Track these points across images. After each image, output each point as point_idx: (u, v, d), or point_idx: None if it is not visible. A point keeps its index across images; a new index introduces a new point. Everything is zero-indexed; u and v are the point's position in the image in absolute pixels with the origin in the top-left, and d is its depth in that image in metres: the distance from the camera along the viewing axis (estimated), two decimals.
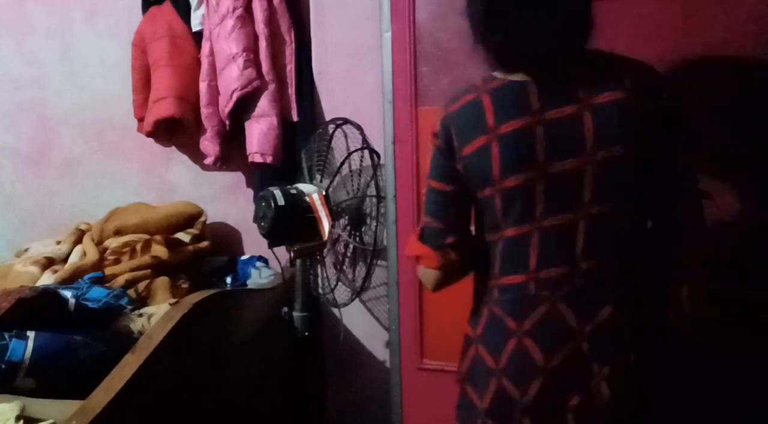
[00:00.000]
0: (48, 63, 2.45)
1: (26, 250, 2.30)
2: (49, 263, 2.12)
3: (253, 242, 2.30)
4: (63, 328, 1.45)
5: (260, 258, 2.28)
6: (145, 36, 2.25)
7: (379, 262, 1.81)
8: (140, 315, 1.61)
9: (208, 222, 2.29)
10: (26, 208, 2.54)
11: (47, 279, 1.97)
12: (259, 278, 2.20)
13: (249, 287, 2.15)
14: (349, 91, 2.03)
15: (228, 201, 2.35)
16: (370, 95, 1.91)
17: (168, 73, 2.18)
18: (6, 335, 1.34)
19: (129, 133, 2.35)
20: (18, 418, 1.14)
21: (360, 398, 2.15)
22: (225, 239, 2.37)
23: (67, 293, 1.54)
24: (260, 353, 1.90)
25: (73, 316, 1.51)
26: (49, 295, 1.50)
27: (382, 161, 1.70)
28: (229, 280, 2.23)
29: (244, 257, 2.32)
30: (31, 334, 1.36)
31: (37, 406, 1.25)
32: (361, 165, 1.83)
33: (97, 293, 1.66)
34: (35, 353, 1.33)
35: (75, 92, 2.44)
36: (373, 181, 1.75)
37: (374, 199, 1.75)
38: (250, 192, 2.30)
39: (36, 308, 1.44)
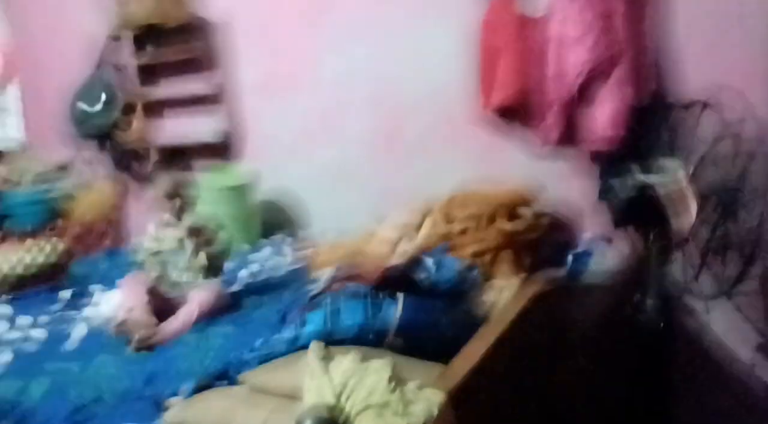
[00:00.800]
0: (395, 56, 2.67)
1: (386, 219, 2.54)
2: (405, 231, 2.31)
3: (594, 223, 2.20)
4: (424, 293, 1.55)
5: (604, 238, 2.17)
6: (489, 22, 2.31)
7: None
8: (490, 288, 1.65)
9: (545, 204, 2.26)
10: (383, 184, 2.82)
11: (404, 245, 2.15)
12: (602, 258, 2.09)
13: (591, 268, 2.05)
14: (714, 62, 1.76)
15: (566, 183, 2.28)
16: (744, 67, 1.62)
17: (511, 59, 2.21)
18: (380, 294, 1.48)
19: (466, 119, 2.44)
20: (390, 379, 1.24)
21: (717, 411, 1.88)
22: (563, 220, 2.31)
23: (428, 261, 1.64)
24: (605, 344, 1.79)
25: (432, 283, 1.61)
26: (413, 262, 1.61)
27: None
28: (570, 258, 2.16)
29: (585, 237, 2.23)
30: (400, 296, 1.48)
31: (404, 364, 1.35)
32: (736, 148, 1.58)
33: (451, 262, 1.74)
34: (404, 314, 1.44)
35: (420, 83, 2.62)
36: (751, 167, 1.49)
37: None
38: (589, 173, 2.20)
39: (402, 273, 1.57)
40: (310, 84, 2.93)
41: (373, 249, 2.23)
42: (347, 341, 1.44)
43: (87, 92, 3.45)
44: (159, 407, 1.47)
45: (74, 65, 3.69)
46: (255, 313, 2.08)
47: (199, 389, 1.47)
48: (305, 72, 2.93)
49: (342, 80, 2.83)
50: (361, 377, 1.24)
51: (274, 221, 3.15)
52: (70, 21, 3.78)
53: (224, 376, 1.48)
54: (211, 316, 1.99)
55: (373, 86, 2.76)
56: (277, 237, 2.95)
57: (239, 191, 2.84)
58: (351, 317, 1.46)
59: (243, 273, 2.48)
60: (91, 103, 3.41)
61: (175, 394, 1.48)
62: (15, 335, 1.92)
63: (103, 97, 3.37)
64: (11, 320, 2.04)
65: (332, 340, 1.42)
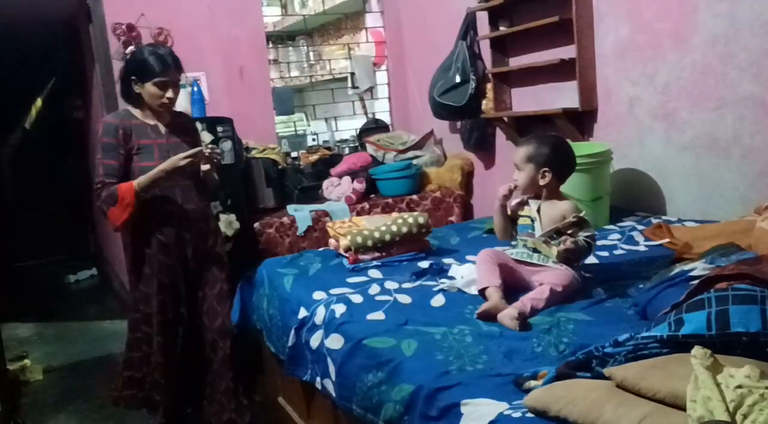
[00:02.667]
0: None
1: (766, 207, 2.16)
2: None
3: None
4: None
5: None
6: None
7: None
8: None
9: None
10: (764, 163, 2.39)
11: None
12: None
13: None
14: None
15: None
16: None
17: None
18: None
19: None
20: None
21: None
22: None
23: None
24: None
25: None
26: None
27: None
28: None
29: None
30: None
31: None
32: None
33: None
34: None
35: None
36: None
37: None
38: None
39: None
40: (679, 43, 2.62)
41: (756, 240, 1.91)
42: (736, 352, 1.24)
43: (445, 70, 3.66)
44: (517, 387, 1.47)
45: (435, 46, 3.96)
46: (607, 302, 1.96)
47: (557, 376, 1.43)
48: (674, 29, 2.63)
49: (721, 33, 2.46)
50: (763, 397, 1.05)
51: (624, 204, 2.94)
52: (437, 5, 4.05)
53: (585, 367, 1.40)
54: (562, 301, 1.95)
55: (762, 39, 2.33)
56: (628, 222, 2.74)
57: (590, 170, 2.70)
58: (743, 323, 1.25)
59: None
60: (449, 81, 3.61)
61: (533, 377, 1.47)
62: (385, 297, 2.13)
63: (461, 72, 3.53)
64: (381, 284, 2.27)
65: (716, 347, 1.23)
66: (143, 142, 2.45)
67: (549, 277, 1.98)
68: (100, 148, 2.40)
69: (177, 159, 2.38)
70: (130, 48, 2.48)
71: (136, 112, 2.49)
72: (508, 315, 1.81)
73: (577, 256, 2.03)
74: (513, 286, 2.01)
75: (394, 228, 2.58)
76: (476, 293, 2.08)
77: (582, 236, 2.01)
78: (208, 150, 2.47)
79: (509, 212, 2.18)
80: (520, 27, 3.26)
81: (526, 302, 1.89)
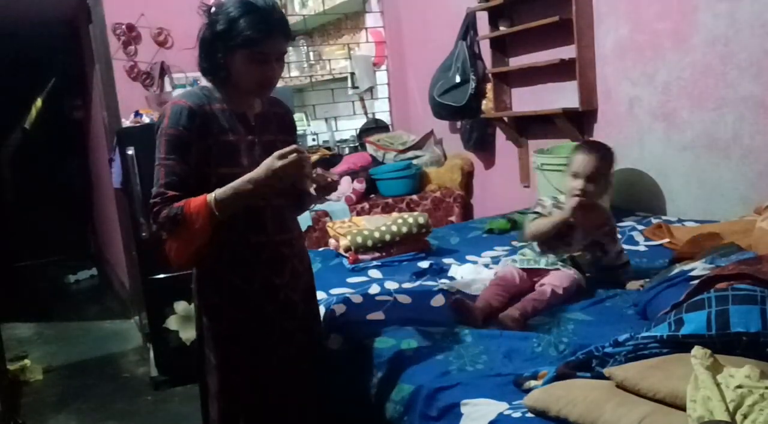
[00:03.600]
0: None
1: (766, 207, 2.16)
2: None
3: None
4: None
5: None
6: None
7: None
8: None
9: None
10: (764, 163, 2.39)
11: None
12: None
13: None
14: None
15: None
16: None
17: None
18: None
19: None
20: None
21: None
22: None
23: None
24: None
25: None
26: None
27: None
28: None
29: None
30: None
31: None
32: None
33: None
34: None
35: None
36: None
37: None
38: None
39: None
40: (679, 43, 2.61)
41: (756, 240, 1.91)
42: (735, 352, 1.24)
43: (445, 70, 3.66)
44: (517, 387, 1.47)
45: (435, 46, 3.96)
46: (607, 302, 1.97)
47: (557, 376, 1.43)
48: (674, 29, 2.62)
49: (721, 33, 2.45)
50: (763, 397, 1.05)
51: (624, 204, 2.94)
52: (437, 5, 4.05)
53: (585, 367, 1.40)
54: (563, 302, 1.95)
55: (762, 39, 2.33)
56: (628, 222, 2.74)
57: None
58: (743, 323, 1.25)
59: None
60: (449, 81, 3.61)
61: (533, 377, 1.47)
62: (385, 297, 2.13)
63: (461, 72, 3.53)
64: (381, 284, 2.27)
65: (716, 347, 1.23)
66: (227, 138, 1.65)
67: (551, 278, 1.98)
68: (163, 143, 1.59)
69: (274, 164, 1.55)
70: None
71: (219, 94, 1.69)
72: (509, 316, 1.81)
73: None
74: (521, 296, 2.01)
75: (394, 228, 2.58)
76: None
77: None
78: (321, 173, 1.75)
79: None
80: (520, 27, 3.26)
81: (526, 303, 1.89)
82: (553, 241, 2.09)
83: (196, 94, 1.67)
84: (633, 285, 2.05)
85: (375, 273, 2.43)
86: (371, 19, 4.61)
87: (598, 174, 2.02)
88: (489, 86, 3.54)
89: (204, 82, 1.75)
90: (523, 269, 2.07)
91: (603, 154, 2.06)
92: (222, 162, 1.63)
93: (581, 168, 2.03)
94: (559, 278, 1.98)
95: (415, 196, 3.76)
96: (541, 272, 2.05)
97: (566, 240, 2.08)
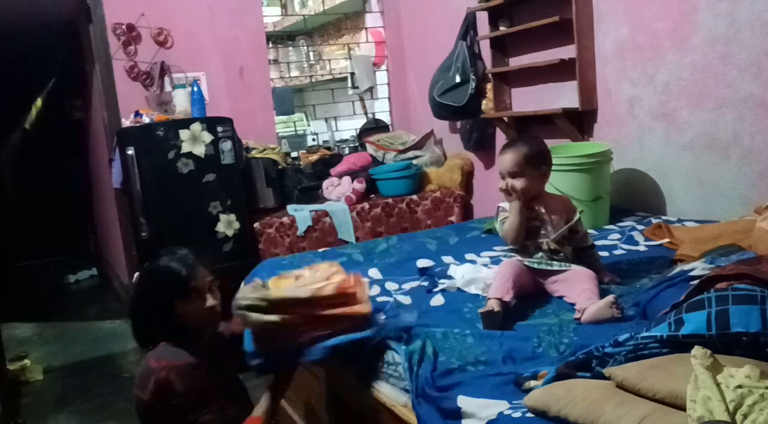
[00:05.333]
0: None
1: (766, 206, 2.16)
2: None
3: None
4: None
5: None
6: None
7: None
8: None
9: None
10: (764, 163, 2.39)
11: None
12: None
13: None
14: None
15: None
16: None
17: None
18: None
19: None
20: None
21: None
22: None
23: None
24: None
25: None
26: None
27: None
28: None
29: None
30: None
31: None
32: None
33: None
34: None
35: None
36: None
37: None
38: None
39: None
40: (679, 43, 2.61)
41: (755, 240, 1.91)
42: (735, 352, 1.24)
43: (445, 70, 3.66)
44: (517, 387, 1.47)
45: (435, 46, 3.97)
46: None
47: (558, 376, 1.43)
48: (674, 29, 2.62)
49: (721, 33, 2.45)
50: (763, 397, 1.05)
51: (624, 204, 2.94)
52: (437, 5, 4.05)
53: (585, 367, 1.40)
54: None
55: (762, 39, 2.33)
56: (628, 222, 2.74)
57: (590, 170, 2.70)
58: (743, 323, 1.25)
59: None
60: (449, 81, 3.61)
61: (533, 377, 1.47)
62: (385, 298, 2.13)
63: (461, 72, 3.53)
64: (381, 285, 2.27)
65: (716, 347, 1.23)
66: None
67: (579, 280, 1.97)
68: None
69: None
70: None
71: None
72: (604, 306, 1.78)
73: None
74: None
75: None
76: (476, 292, 2.09)
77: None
78: None
79: None
80: (520, 27, 3.26)
81: (592, 296, 1.87)
82: (530, 239, 2.09)
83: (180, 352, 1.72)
84: (609, 279, 2.07)
85: (375, 273, 2.43)
86: (371, 19, 4.61)
87: (520, 168, 2.03)
88: (489, 86, 3.54)
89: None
90: (533, 270, 2.05)
91: (518, 147, 2.06)
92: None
93: (502, 167, 2.07)
94: (584, 278, 1.97)
95: (415, 197, 3.76)
96: (553, 273, 2.03)
97: (542, 235, 2.08)
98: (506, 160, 2.06)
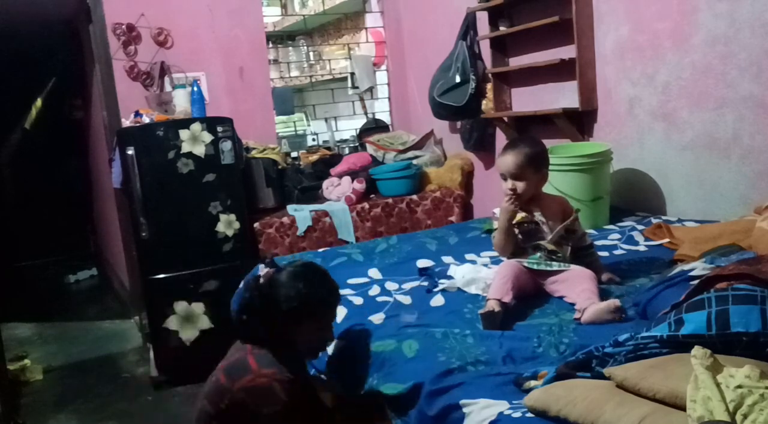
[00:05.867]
0: None
1: (766, 207, 2.16)
2: None
3: None
4: None
5: None
6: None
7: None
8: None
9: None
10: (764, 163, 2.39)
11: None
12: None
13: None
14: None
15: None
16: None
17: None
18: None
19: None
20: None
21: None
22: None
23: None
24: None
25: None
26: None
27: None
28: None
29: None
30: None
31: None
32: None
33: None
34: None
35: None
36: None
37: None
38: None
39: None
40: (679, 43, 2.61)
41: (755, 240, 1.91)
42: (735, 352, 1.24)
43: (445, 70, 3.66)
44: (517, 387, 1.47)
45: (435, 46, 3.97)
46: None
47: (558, 376, 1.43)
48: (674, 29, 2.62)
49: (721, 33, 2.45)
50: (763, 397, 1.05)
51: (624, 204, 2.94)
52: (437, 5, 4.05)
53: (585, 367, 1.41)
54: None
55: (762, 39, 2.33)
56: (628, 222, 2.74)
57: (590, 170, 2.70)
58: (743, 323, 1.25)
59: None
60: (449, 81, 3.61)
61: (533, 377, 1.47)
62: (385, 298, 2.14)
63: (461, 72, 3.53)
64: (381, 285, 2.27)
65: (716, 347, 1.23)
66: None
67: (578, 280, 1.97)
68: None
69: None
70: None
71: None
72: (606, 309, 1.78)
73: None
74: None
75: None
76: (476, 292, 2.09)
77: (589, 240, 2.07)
78: None
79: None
80: (520, 27, 3.26)
81: (592, 296, 1.87)
82: (527, 241, 2.08)
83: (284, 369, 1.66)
84: (608, 278, 2.07)
85: (375, 273, 2.43)
86: (371, 19, 4.61)
87: (522, 170, 2.03)
88: (489, 86, 3.54)
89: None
90: (532, 270, 2.04)
91: (521, 149, 2.06)
92: None
93: (504, 169, 2.06)
94: (578, 272, 1.98)
95: (415, 197, 3.76)
96: (553, 273, 2.03)
97: (539, 236, 2.08)
98: (508, 161, 2.05)
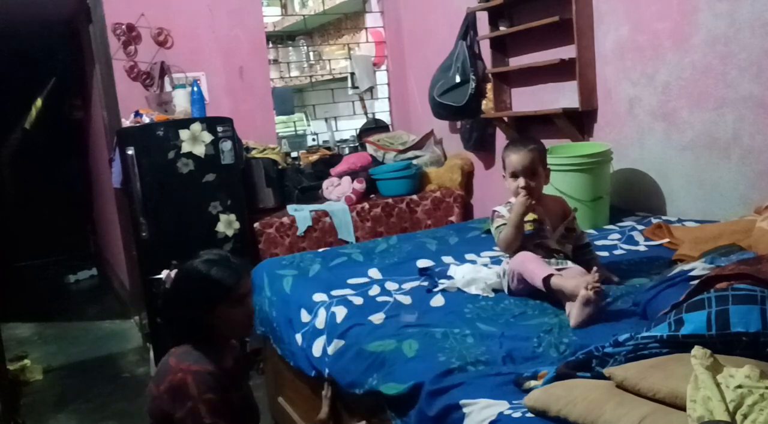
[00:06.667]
0: None
1: (766, 207, 2.16)
2: None
3: None
4: None
5: None
6: None
7: None
8: None
9: None
10: (764, 163, 2.39)
11: None
12: None
13: None
14: None
15: None
16: None
17: None
18: None
19: None
20: None
21: None
22: None
23: None
24: None
25: None
26: None
27: None
28: None
29: None
30: None
31: None
32: None
33: None
34: None
35: None
36: None
37: None
38: None
39: None
40: (679, 43, 2.61)
41: (755, 241, 1.91)
42: (735, 352, 1.24)
43: (445, 70, 3.66)
44: (517, 387, 1.47)
45: (435, 46, 3.97)
46: (607, 302, 1.96)
47: (558, 376, 1.43)
48: (674, 29, 2.62)
49: (721, 33, 2.45)
50: (763, 397, 1.05)
51: (624, 204, 2.94)
52: (437, 5, 4.05)
53: (585, 367, 1.40)
54: None
55: (762, 39, 2.33)
56: (628, 222, 2.74)
57: (590, 170, 2.70)
58: (743, 323, 1.25)
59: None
60: (449, 81, 3.61)
61: (533, 377, 1.47)
62: (385, 298, 2.13)
63: (461, 72, 3.53)
64: (381, 285, 2.27)
65: (716, 347, 1.23)
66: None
67: (572, 271, 1.99)
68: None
69: None
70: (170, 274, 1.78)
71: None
72: (580, 303, 1.76)
73: None
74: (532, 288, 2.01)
75: None
76: (476, 292, 2.08)
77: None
78: None
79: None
80: (520, 27, 3.26)
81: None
82: (529, 240, 2.08)
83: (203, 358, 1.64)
84: (607, 277, 2.07)
85: (375, 273, 2.43)
86: (371, 19, 4.61)
87: (536, 165, 2.05)
88: (489, 86, 3.54)
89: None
90: None
91: (533, 146, 2.08)
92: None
93: (519, 166, 2.05)
94: (576, 270, 1.98)
95: (415, 197, 3.76)
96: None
97: (541, 235, 2.08)
98: (523, 157, 2.05)
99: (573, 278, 1.84)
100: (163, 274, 1.79)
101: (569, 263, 2.03)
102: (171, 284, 1.73)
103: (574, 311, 1.76)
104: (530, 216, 2.06)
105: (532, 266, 1.95)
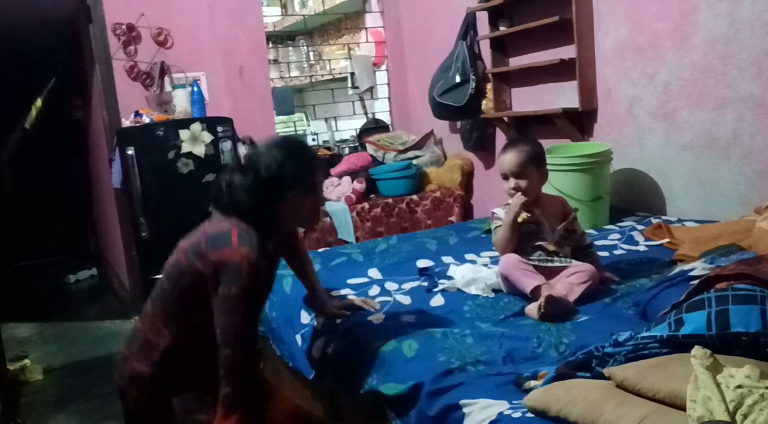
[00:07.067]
0: None
1: (766, 207, 2.16)
2: None
3: None
4: None
5: None
6: None
7: None
8: None
9: None
10: (764, 163, 2.39)
11: None
12: None
13: None
14: None
15: None
16: None
17: None
18: None
19: None
20: None
21: None
22: None
23: None
24: None
25: None
26: None
27: None
28: None
29: None
30: None
31: None
32: None
33: None
34: None
35: None
36: None
37: None
38: None
39: None
40: (679, 43, 2.61)
41: (755, 240, 1.91)
42: (735, 352, 1.24)
43: (445, 70, 3.66)
44: (517, 387, 1.47)
45: (435, 46, 3.96)
46: (607, 302, 1.97)
47: (558, 376, 1.43)
48: (674, 29, 2.62)
49: (721, 33, 2.45)
50: (763, 397, 1.05)
51: (624, 204, 2.94)
52: (437, 5, 4.05)
53: (585, 367, 1.40)
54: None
55: (762, 39, 2.33)
56: (628, 222, 2.74)
57: (590, 170, 2.70)
58: (743, 323, 1.25)
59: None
60: (449, 81, 3.61)
61: (533, 377, 1.47)
62: (385, 298, 2.13)
63: (461, 72, 3.53)
64: (381, 285, 2.27)
65: (716, 347, 1.23)
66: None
67: (575, 268, 2.00)
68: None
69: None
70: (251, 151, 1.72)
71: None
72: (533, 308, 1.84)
73: None
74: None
75: None
76: (476, 292, 2.08)
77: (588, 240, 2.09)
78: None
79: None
80: (520, 27, 3.26)
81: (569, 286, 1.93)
82: (527, 241, 2.08)
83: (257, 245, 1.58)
84: (608, 277, 2.09)
85: (375, 273, 2.43)
86: (371, 19, 4.61)
87: (524, 167, 2.04)
88: (489, 86, 3.54)
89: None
90: (535, 267, 2.04)
91: (521, 147, 2.08)
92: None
93: (507, 168, 2.07)
94: (579, 266, 1.99)
95: (415, 197, 3.76)
96: (555, 270, 2.04)
97: (540, 236, 2.08)
98: (511, 160, 2.06)
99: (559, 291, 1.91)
100: (247, 141, 1.75)
101: (573, 261, 2.04)
102: (245, 161, 1.66)
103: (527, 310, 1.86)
104: (521, 217, 2.06)
105: (519, 274, 1.98)
